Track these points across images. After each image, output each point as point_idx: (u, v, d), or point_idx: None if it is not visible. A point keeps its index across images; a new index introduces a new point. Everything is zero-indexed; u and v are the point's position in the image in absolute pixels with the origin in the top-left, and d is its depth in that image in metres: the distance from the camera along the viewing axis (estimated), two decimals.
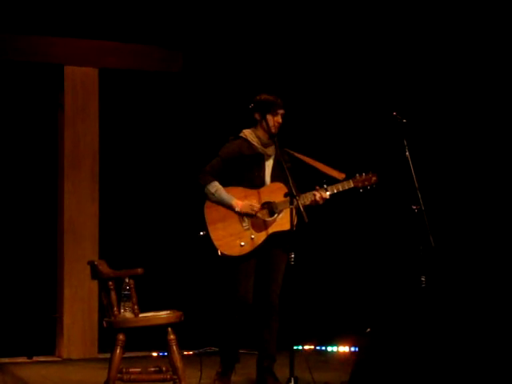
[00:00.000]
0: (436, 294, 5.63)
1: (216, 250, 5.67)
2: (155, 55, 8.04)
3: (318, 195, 5.70)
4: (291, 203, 5.51)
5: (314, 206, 5.72)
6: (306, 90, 8.16)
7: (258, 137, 5.81)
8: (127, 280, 5.11)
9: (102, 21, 7.78)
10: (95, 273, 5.22)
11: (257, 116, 5.80)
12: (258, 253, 5.72)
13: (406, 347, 4.31)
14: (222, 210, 5.72)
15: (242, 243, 5.66)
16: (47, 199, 7.87)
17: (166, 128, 8.23)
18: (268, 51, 8.12)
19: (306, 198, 5.69)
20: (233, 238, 5.67)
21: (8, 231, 7.72)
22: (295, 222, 5.56)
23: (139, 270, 5.12)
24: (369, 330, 4.95)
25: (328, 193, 5.72)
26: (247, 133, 5.86)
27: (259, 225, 5.70)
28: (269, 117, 5.75)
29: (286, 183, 5.61)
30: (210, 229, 5.70)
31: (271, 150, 5.82)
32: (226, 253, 5.67)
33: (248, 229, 5.69)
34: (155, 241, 8.04)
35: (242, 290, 5.69)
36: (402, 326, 4.49)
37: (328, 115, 8.16)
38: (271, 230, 5.70)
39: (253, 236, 5.69)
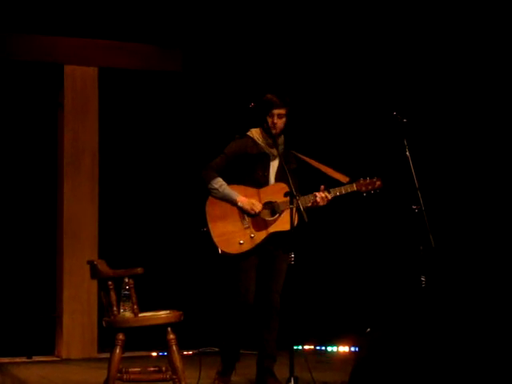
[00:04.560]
0: (436, 294, 5.62)
1: (216, 248, 5.67)
2: (155, 54, 8.04)
3: (318, 196, 5.68)
4: (291, 203, 5.50)
5: (316, 207, 5.70)
6: (307, 90, 8.15)
7: (264, 136, 5.80)
8: (127, 280, 5.11)
9: (102, 20, 7.77)
10: (95, 272, 5.22)
11: (261, 116, 5.79)
12: (259, 253, 5.72)
13: (406, 347, 4.30)
14: (223, 207, 5.72)
15: (241, 241, 5.66)
16: (46, 198, 7.87)
17: (166, 127, 8.22)
18: (268, 50, 8.11)
19: (308, 200, 5.67)
20: (232, 236, 5.68)
21: (7, 231, 7.71)
22: (296, 222, 5.55)
23: (139, 270, 5.11)
24: (369, 329, 4.94)
25: (330, 194, 5.70)
26: (254, 132, 5.85)
27: (259, 224, 5.70)
28: (267, 117, 5.74)
29: (288, 183, 5.61)
30: (211, 226, 5.70)
31: (277, 151, 5.79)
32: (225, 250, 5.68)
33: (248, 227, 5.69)
34: (155, 241, 8.04)
35: (243, 290, 5.69)
36: (402, 326, 4.48)
37: (328, 115, 8.14)
38: (271, 229, 5.70)
39: (252, 235, 5.68)
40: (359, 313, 7.74)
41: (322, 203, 5.69)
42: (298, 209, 5.49)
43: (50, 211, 7.87)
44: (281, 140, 5.84)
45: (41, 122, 7.89)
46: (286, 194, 5.62)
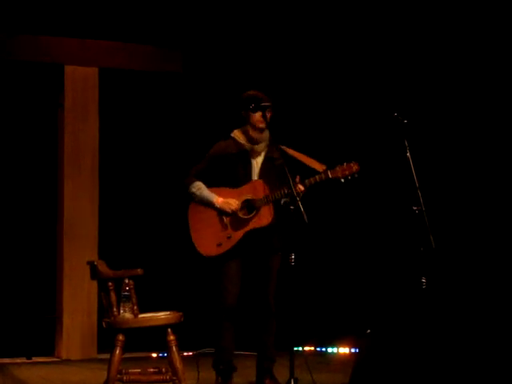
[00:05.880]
0: (436, 296, 5.61)
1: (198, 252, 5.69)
2: (155, 55, 8.04)
3: (297, 179, 5.57)
4: (292, 203, 5.46)
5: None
6: (307, 91, 8.15)
7: (246, 135, 5.76)
8: (127, 280, 5.10)
9: (102, 21, 7.78)
10: (95, 273, 5.21)
11: (243, 114, 5.78)
12: (241, 254, 5.68)
13: (407, 349, 4.30)
14: (203, 211, 5.72)
15: (219, 243, 5.65)
16: (47, 199, 7.87)
17: (166, 128, 8.22)
18: (268, 51, 8.11)
19: (283, 193, 5.57)
20: (211, 239, 5.67)
21: (7, 231, 7.71)
22: (271, 219, 5.56)
23: (139, 271, 5.11)
24: (369, 331, 4.93)
25: (304, 185, 5.56)
26: (236, 132, 5.84)
27: (237, 223, 5.67)
28: (253, 114, 5.71)
29: (274, 181, 5.59)
30: (192, 230, 5.72)
31: (261, 147, 5.77)
32: (205, 253, 5.68)
33: (226, 228, 5.67)
34: (155, 241, 8.03)
35: (228, 296, 5.66)
36: (403, 327, 4.48)
37: (328, 115, 8.14)
38: (248, 227, 5.65)
39: (229, 235, 5.66)
40: (359, 314, 7.73)
41: (299, 189, 5.53)
42: (297, 209, 5.44)
43: (50, 211, 7.86)
44: (266, 135, 5.78)
45: (41, 122, 7.89)
46: (286, 195, 5.57)
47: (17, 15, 7.54)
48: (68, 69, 7.80)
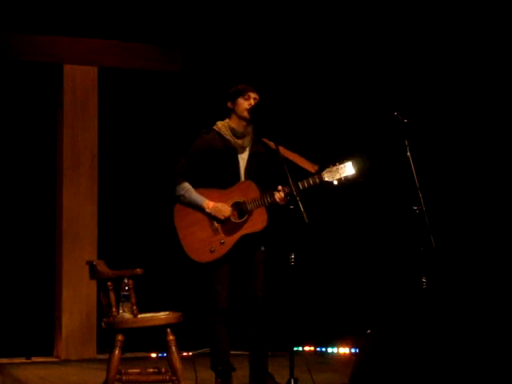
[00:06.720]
0: (437, 296, 5.60)
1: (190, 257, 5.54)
2: (155, 54, 8.04)
3: (277, 195, 5.49)
4: (293, 203, 5.40)
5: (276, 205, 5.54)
6: (308, 90, 8.14)
7: (231, 128, 5.65)
8: (126, 280, 5.10)
9: (101, 20, 7.77)
10: (94, 273, 5.20)
11: (229, 104, 5.68)
12: (231, 257, 5.57)
13: (407, 349, 4.29)
14: (192, 214, 5.57)
15: (212, 249, 5.50)
16: (46, 199, 7.86)
17: (166, 127, 8.21)
18: (267, 50, 8.10)
19: (266, 201, 5.49)
20: (203, 245, 5.51)
21: (7, 231, 7.70)
22: (265, 223, 5.49)
23: (138, 271, 5.10)
24: (369, 331, 4.92)
25: (298, 188, 5.44)
26: (220, 125, 5.71)
27: (229, 228, 5.53)
28: (240, 100, 5.62)
29: (262, 178, 5.54)
30: (180, 235, 5.56)
31: (246, 141, 5.67)
32: (196, 259, 5.53)
33: (218, 233, 5.53)
34: (155, 241, 8.02)
35: (220, 299, 5.58)
36: (403, 327, 4.47)
37: (328, 115, 8.13)
38: (242, 232, 5.52)
39: (223, 240, 5.52)
40: (360, 314, 7.72)
41: (280, 203, 5.48)
42: (297, 208, 5.40)
43: (49, 212, 7.85)
44: (249, 129, 5.69)
45: (40, 122, 7.88)
46: (286, 195, 5.51)
47: (15, 14, 7.53)
48: (67, 68, 7.79)
